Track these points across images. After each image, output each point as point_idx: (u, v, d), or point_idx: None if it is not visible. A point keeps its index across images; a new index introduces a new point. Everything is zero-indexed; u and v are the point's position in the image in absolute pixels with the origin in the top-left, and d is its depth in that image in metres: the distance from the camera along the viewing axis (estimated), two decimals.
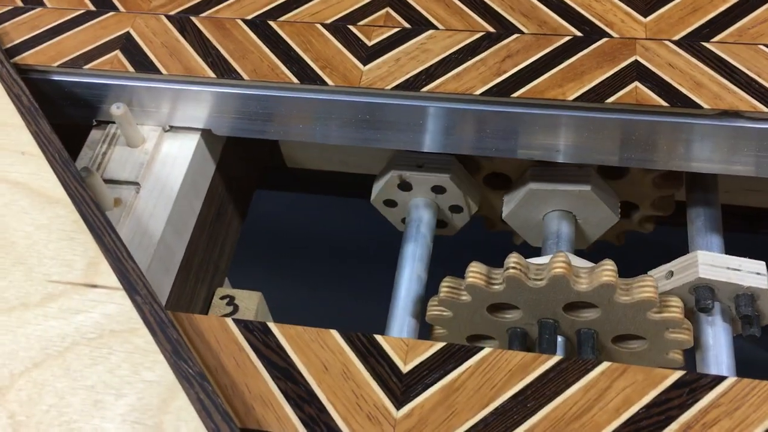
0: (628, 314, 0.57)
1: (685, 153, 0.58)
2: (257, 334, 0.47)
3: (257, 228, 0.92)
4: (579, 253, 0.65)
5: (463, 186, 0.69)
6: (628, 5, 0.61)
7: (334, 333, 0.47)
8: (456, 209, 0.72)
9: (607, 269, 0.55)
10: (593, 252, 0.73)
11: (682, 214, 0.71)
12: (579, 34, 0.59)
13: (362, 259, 1.02)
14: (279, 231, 1.07)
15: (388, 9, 0.63)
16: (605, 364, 0.44)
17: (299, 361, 0.46)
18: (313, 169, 0.87)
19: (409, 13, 0.62)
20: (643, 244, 0.81)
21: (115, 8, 0.65)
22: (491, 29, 0.60)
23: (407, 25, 0.61)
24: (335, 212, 1.05)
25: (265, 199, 0.89)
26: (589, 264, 0.59)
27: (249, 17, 0.63)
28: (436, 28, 0.61)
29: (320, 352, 0.46)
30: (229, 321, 0.48)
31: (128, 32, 0.63)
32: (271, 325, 0.47)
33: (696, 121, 0.55)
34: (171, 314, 0.47)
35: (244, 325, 0.47)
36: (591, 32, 0.59)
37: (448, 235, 0.75)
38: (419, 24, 0.61)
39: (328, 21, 0.63)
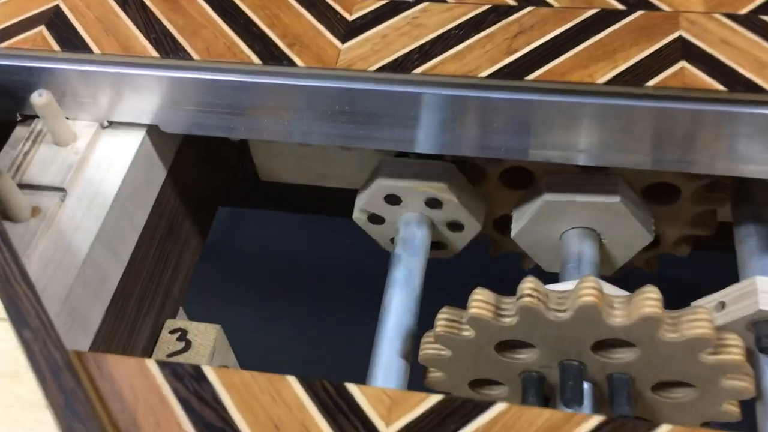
0: (674, 356, 0.45)
1: (739, 153, 0.46)
2: (188, 382, 0.35)
3: (222, 249, 0.81)
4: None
5: (463, 198, 0.57)
6: None
7: (292, 380, 0.34)
8: (455, 227, 0.60)
9: (650, 298, 0.43)
10: (617, 280, 0.61)
11: (723, 236, 0.60)
12: (613, 5, 0.48)
13: (343, 287, 0.90)
14: (247, 253, 0.94)
15: None
16: (666, 429, 0.32)
17: (242, 419, 0.33)
18: (290, 182, 0.75)
19: None
20: (677, 270, 0.69)
21: None
22: (499, 1, 0.49)
23: None
24: (313, 232, 0.92)
25: (233, 216, 0.78)
26: (624, 292, 0.47)
27: None
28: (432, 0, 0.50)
29: (272, 408, 0.34)
30: (150, 363, 0.36)
31: (57, 5, 0.52)
32: (208, 370, 0.35)
33: (760, 111, 0.43)
34: (74, 355, 0.35)
35: (171, 370, 0.35)
36: (635, 3, 0.48)
37: (445, 258, 0.63)
38: None
39: None
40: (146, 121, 0.53)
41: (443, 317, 0.49)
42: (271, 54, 0.48)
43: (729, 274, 0.58)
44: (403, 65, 0.46)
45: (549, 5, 0.48)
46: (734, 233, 0.56)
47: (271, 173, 0.76)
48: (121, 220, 0.51)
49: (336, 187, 0.73)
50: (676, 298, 0.50)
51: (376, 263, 0.63)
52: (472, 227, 0.60)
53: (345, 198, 0.64)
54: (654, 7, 0.47)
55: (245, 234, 0.92)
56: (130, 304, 0.54)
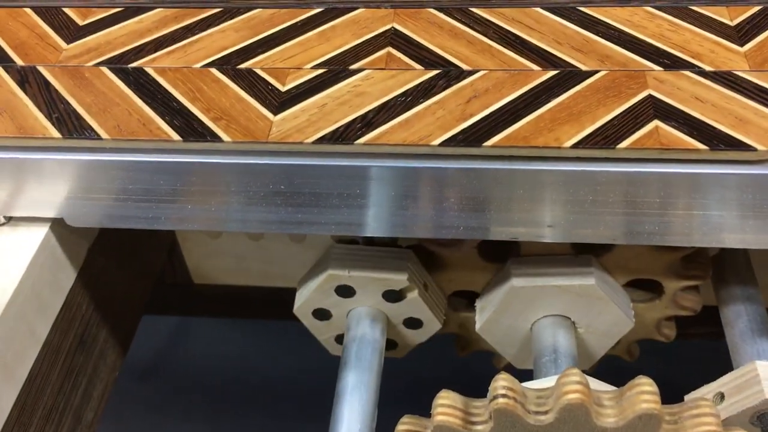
0: None
1: (720, 220, 0.41)
2: None
3: (159, 366, 0.71)
4: None
5: (424, 291, 0.51)
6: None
7: None
8: (413, 323, 0.53)
9: (646, 392, 0.37)
10: (596, 371, 0.54)
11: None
12: (647, 66, 0.44)
13: (295, 399, 0.81)
14: (190, 369, 0.84)
15: (389, 48, 0.46)
16: None
17: None
18: (228, 284, 0.68)
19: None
20: (659, 356, 0.63)
21: None
22: (448, 66, 0.45)
23: (334, 66, 0.45)
24: (254, 339, 0.84)
25: (170, 327, 0.69)
26: (610, 387, 0.41)
27: (118, 65, 0.46)
28: (440, 66, 0.45)
29: None
30: None
31: None
32: None
33: (745, 171, 0.39)
34: None
35: None
36: (671, 64, 0.44)
37: (395, 357, 0.56)
38: (424, 62, 0.45)
39: (227, 65, 0.46)
40: (50, 214, 0.45)
41: (404, 427, 0.41)
42: (193, 129, 0.42)
43: (710, 360, 0.52)
44: (344, 136, 0.41)
45: (570, 68, 0.44)
46: (721, 315, 0.51)
47: (207, 275, 0.69)
48: (15, 333, 0.43)
49: (282, 287, 0.66)
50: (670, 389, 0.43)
51: (330, 369, 0.55)
52: (432, 325, 0.53)
53: (293, 298, 0.57)
54: (687, 68, 0.43)
55: (189, 345, 0.83)
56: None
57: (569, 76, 0.43)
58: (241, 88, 0.44)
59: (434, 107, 0.42)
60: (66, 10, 0.52)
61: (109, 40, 0.49)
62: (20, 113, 0.43)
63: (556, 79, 0.43)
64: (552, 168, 0.40)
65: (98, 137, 0.42)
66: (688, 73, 0.43)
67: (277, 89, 0.44)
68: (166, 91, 0.44)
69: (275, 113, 0.42)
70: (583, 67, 0.44)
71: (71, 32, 0.50)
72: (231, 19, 0.50)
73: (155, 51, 0.47)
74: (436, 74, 0.44)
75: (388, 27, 0.48)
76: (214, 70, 0.45)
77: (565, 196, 0.41)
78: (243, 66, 0.46)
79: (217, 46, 0.47)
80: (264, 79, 0.44)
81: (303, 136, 0.41)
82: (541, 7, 0.48)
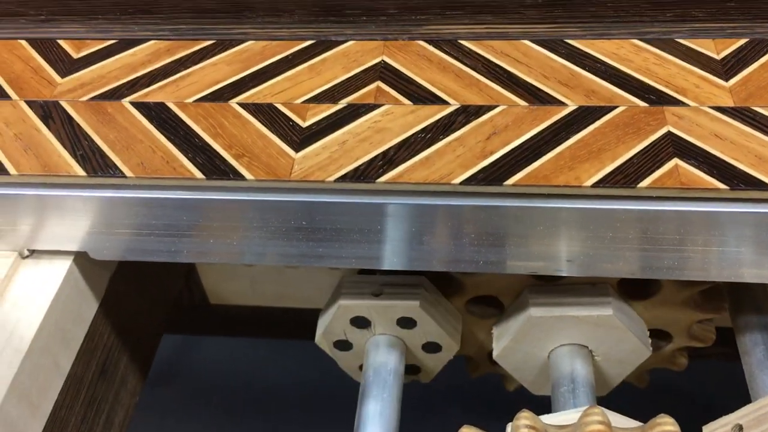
0: None
1: (738, 256, 0.41)
2: None
3: (171, 372, 0.72)
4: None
5: (438, 315, 0.51)
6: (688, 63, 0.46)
7: None
8: (431, 348, 0.53)
9: (667, 431, 0.37)
10: (605, 399, 0.55)
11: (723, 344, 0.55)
12: (632, 101, 0.44)
13: (308, 419, 0.81)
14: (202, 376, 0.85)
15: (379, 83, 0.47)
16: None
17: None
18: (244, 305, 0.68)
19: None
20: (668, 385, 0.63)
21: None
22: (468, 102, 0.45)
23: (356, 102, 0.46)
24: (273, 359, 0.84)
25: (185, 339, 0.70)
26: (633, 422, 0.41)
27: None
28: (429, 101, 0.45)
29: None
30: None
31: None
32: None
33: (764, 210, 0.39)
34: None
35: None
36: (656, 99, 0.44)
37: (422, 382, 0.56)
38: (413, 97, 0.46)
39: (248, 102, 0.46)
40: (73, 248, 0.46)
41: None
42: (215, 167, 0.42)
43: (721, 382, 0.52)
44: (366, 174, 0.41)
45: (557, 104, 0.44)
46: (738, 343, 0.51)
47: (222, 297, 0.70)
48: (41, 367, 0.44)
49: (296, 308, 0.67)
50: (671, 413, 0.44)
51: (345, 390, 0.56)
52: (450, 347, 0.53)
53: (305, 319, 0.58)
54: (672, 103, 0.43)
55: (198, 359, 0.83)
56: None
57: (588, 112, 0.43)
58: (262, 123, 0.44)
59: (454, 144, 0.42)
60: (61, 42, 0.52)
61: (103, 74, 0.49)
62: (44, 150, 0.44)
63: (574, 114, 0.43)
64: (572, 206, 0.40)
65: (122, 175, 0.42)
66: (707, 109, 0.43)
67: (298, 125, 0.44)
68: (188, 126, 0.45)
69: (297, 150, 0.43)
70: (570, 104, 0.44)
71: (65, 65, 0.50)
72: (224, 51, 0.50)
73: (149, 85, 0.48)
74: (455, 110, 0.44)
75: (377, 60, 0.48)
76: (234, 105, 0.46)
77: (584, 233, 0.41)
78: (235, 101, 0.46)
79: (209, 80, 0.48)
80: (284, 114, 0.45)
81: (325, 174, 0.41)
82: (530, 40, 0.49)
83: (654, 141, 0.41)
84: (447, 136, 0.43)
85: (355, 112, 0.45)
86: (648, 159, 0.40)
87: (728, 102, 0.43)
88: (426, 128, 0.43)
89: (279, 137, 0.44)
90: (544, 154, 0.41)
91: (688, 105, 0.43)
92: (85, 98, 0.47)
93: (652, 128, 0.42)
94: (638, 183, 0.39)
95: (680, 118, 0.43)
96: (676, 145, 0.41)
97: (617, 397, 0.52)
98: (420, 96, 0.45)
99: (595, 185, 0.40)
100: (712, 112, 0.43)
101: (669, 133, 0.42)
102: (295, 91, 0.47)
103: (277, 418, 0.84)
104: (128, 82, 0.48)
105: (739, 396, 0.48)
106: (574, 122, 0.43)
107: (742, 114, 0.42)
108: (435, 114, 0.44)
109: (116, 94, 0.47)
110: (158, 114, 0.46)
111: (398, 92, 0.46)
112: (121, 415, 0.54)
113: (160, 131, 0.44)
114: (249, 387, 0.86)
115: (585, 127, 0.43)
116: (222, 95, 0.47)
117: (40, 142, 0.44)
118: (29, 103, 0.47)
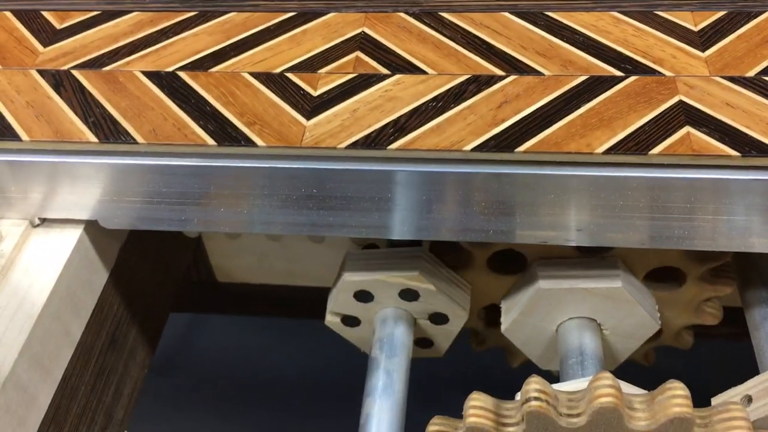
0: None
1: (749, 225, 0.41)
2: None
3: (180, 359, 0.72)
4: None
5: (442, 285, 0.51)
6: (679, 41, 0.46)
7: None
8: (438, 318, 0.53)
9: (677, 395, 0.37)
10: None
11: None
12: (608, 71, 0.44)
13: (317, 398, 0.81)
14: (206, 364, 0.85)
15: (358, 53, 0.47)
16: None
17: None
18: (252, 282, 0.69)
19: (381, 55, 0.47)
20: (673, 361, 0.63)
21: None
22: (478, 72, 0.45)
23: (368, 71, 0.46)
24: (280, 338, 0.84)
25: (191, 321, 0.70)
26: (638, 390, 0.41)
27: (92, 69, 0.47)
28: (406, 70, 0.45)
29: None
30: None
31: None
32: None
33: None
34: None
35: None
36: (632, 69, 0.44)
37: (434, 357, 0.56)
38: (391, 66, 0.46)
39: (259, 71, 0.46)
40: (84, 216, 0.46)
41: (435, 429, 0.41)
42: (227, 134, 0.42)
43: (726, 362, 0.52)
44: (377, 141, 0.41)
45: (534, 73, 0.44)
46: (747, 318, 0.51)
47: (230, 274, 0.70)
48: (52, 333, 0.44)
49: (304, 286, 0.67)
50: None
51: (354, 368, 0.56)
52: (458, 317, 0.53)
53: (315, 297, 0.58)
54: (648, 72, 0.43)
55: (202, 342, 0.83)
56: (64, 431, 0.46)
57: (599, 81, 0.43)
58: (273, 92, 0.45)
59: (465, 112, 0.42)
60: (45, 13, 0.52)
61: (85, 43, 0.49)
62: (56, 117, 0.44)
63: (587, 84, 0.43)
64: (583, 173, 0.40)
65: (134, 141, 0.42)
66: (718, 79, 0.43)
67: (309, 94, 0.44)
68: (199, 95, 0.45)
69: (308, 118, 0.43)
70: (546, 72, 0.44)
71: (48, 36, 0.50)
72: (206, 22, 0.50)
73: (129, 54, 0.48)
74: (466, 79, 0.44)
75: (358, 31, 0.48)
76: (245, 75, 0.46)
77: (595, 201, 0.41)
78: (214, 70, 0.46)
79: (189, 49, 0.48)
80: (296, 84, 0.45)
81: (336, 141, 0.41)
82: (510, 12, 0.49)
83: (665, 109, 0.41)
84: (458, 104, 0.43)
85: (366, 81, 0.45)
86: (660, 127, 0.40)
87: (704, 72, 0.43)
88: (437, 97, 0.43)
89: (290, 105, 0.44)
90: (556, 121, 0.41)
91: (664, 75, 0.43)
92: (65, 67, 0.47)
93: (663, 97, 0.42)
94: (650, 150, 0.39)
95: (692, 88, 0.43)
96: (687, 113, 0.41)
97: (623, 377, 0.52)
98: (398, 65, 0.46)
99: (607, 152, 0.40)
100: (724, 81, 0.43)
101: (681, 101, 0.42)
102: (274, 60, 0.47)
103: (281, 406, 0.85)
104: (109, 52, 0.49)
105: (743, 378, 0.48)
106: (585, 91, 0.43)
107: (755, 83, 0.42)
108: (446, 83, 0.44)
109: (97, 63, 0.48)
110: (169, 82, 0.46)
111: (377, 62, 0.46)
112: (129, 386, 0.54)
113: (171, 99, 0.45)
114: (253, 376, 0.86)
115: (596, 96, 0.43)
116: (202, 65, 0.47)
117: (52, 109, 0.45)
118: (40, 72, 0.47)
